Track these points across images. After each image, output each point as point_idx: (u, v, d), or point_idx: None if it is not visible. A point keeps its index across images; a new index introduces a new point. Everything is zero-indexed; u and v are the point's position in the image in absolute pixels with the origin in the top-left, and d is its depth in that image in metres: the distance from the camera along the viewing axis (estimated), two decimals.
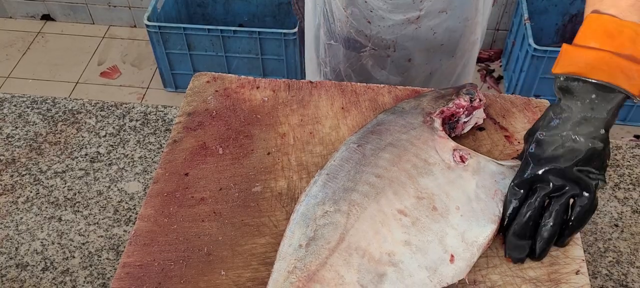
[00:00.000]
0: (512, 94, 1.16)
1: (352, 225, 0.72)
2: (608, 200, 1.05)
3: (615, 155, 1.12)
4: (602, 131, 0.71)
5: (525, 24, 2.31)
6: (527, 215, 0.72)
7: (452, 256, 0.71)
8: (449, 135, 0.86)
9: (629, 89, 0.70)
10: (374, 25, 1.07)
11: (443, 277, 0.70)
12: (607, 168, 1.09)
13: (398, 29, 1.07)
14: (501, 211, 0.76)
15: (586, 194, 0.70)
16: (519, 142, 0.89)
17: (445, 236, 0.72)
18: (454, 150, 0.81)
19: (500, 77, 2.67)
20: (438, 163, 0.79)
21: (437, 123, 0.85)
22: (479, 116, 0.91)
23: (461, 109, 0.88)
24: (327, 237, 0.71)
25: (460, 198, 0.76)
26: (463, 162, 0.80)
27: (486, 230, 0.74)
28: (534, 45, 2.20)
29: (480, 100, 0.89)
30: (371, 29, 1.08)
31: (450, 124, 0.88)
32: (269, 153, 0.91)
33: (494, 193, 0.77)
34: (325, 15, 1.10)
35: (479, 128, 0.91)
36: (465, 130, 0.90)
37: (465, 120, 0.89)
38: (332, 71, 1.18)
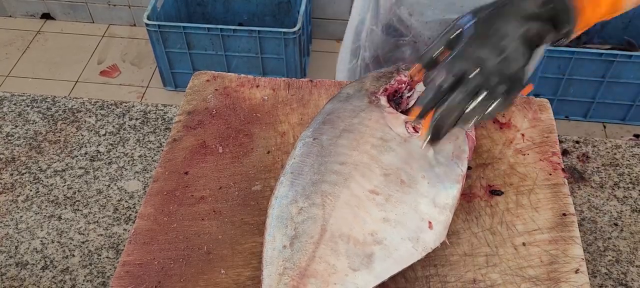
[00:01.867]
0: None
1: (330, 215, 0.73)
2: (607, 199, 1.05)
3: (615, 154, 1.12)
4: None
5: None
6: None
7: (430, 222, 0.74)
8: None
9: None
10: (414, 18, 1.06)
11: (426, 243, 0.73)
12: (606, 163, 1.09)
13: (435, 28, 1.06)
14: (464, 169, 0.79)
15: None
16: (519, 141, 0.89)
17: (418, 205, 0.75)
18: (406, 122, 0.83)
19: None
20: (394, 139, 0.80)
21: (383, 100, 0.87)
22: (420, 90, 0.94)
23: (403, 85, 0.90)
24: (308, 231, 0.71)
25: (423, 167, 0.78)
26: (416, 131, 0.82)
27: (453, 190, 0.77)
28: None
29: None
30: (411, 21, 1.07)
31: (395, 100, 0.91)
32: (268, 152, 0.91)
33: (451, 155, 0.80)
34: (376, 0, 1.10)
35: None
36: (410, 105, 0.93)
37: (408, 94, 0.92)
38: (371, 56, 1.19)
